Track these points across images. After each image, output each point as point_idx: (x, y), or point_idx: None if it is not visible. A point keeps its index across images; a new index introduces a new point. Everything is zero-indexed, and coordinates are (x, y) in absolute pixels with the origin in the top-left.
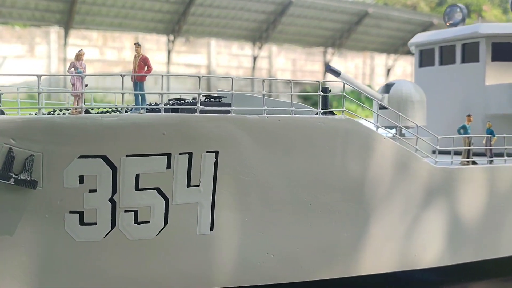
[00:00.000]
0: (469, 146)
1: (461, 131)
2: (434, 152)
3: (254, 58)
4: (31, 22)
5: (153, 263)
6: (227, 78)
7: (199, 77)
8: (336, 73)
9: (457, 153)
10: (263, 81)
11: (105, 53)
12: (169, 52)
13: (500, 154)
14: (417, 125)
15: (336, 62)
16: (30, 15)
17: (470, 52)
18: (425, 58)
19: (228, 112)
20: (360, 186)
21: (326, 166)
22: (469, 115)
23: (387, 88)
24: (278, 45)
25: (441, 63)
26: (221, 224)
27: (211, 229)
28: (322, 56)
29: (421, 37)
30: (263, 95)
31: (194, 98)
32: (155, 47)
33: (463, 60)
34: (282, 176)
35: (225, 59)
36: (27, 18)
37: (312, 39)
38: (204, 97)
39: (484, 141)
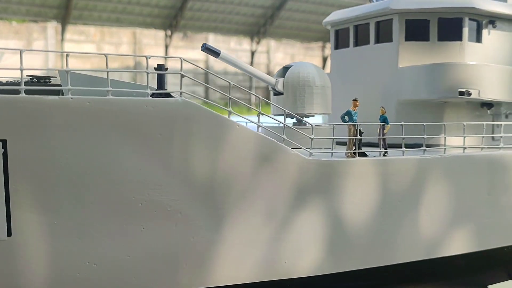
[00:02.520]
0: (355, 135)
1: (346, 118)
2: (339, 143)
3: (252, 53)
4: (28, 18)
5: None
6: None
7: None
8: (215, 53)
9: (373, 144)
10: (67, 55)
11: (103, 48)
12: (166, 47)
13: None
14: (284, 111)
15: None
16: (27, 10)
17: (383, 31)
18: (341, 38)
19: (18, 92)
20: (208, 183)
21: (161, 158)
22: (355, 100)
23: (284, 71)
24: (276, 40)
25: (356, 44)
26: (22, 227)
27: (9, 234)
28: (321, 51)
29: (336, 15)
30: (66, 72)
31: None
32: (152, 42)
33: (377, 40)
34: (101, 170)
35: None
36: (24, 13)
37: (311, 33)
38: (30, 77)
39: (378, 130)
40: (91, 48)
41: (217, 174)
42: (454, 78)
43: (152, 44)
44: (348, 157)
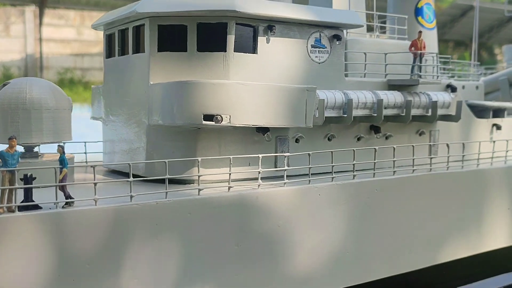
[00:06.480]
0: (11, 183)
1: None
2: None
3: None
4: (5, 1)
5: None
6: None
7: None
8: None
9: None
10: None
11: (83, 33)
12: None
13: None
14: None
15: None
16: None
17: (141, 39)
18: (112, 45)
19: None
20: None
21: None
22: (10, 138)
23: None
24: None
25: (122, 52)
26: None
27: None
28: None
29: (107, 16)
30: None
31: None
32: None
33: (136, 50)
34: None
35: None
36: None
37: None
38: None
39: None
40: (71, 32)
41: None
42: (199, 100)
43: None
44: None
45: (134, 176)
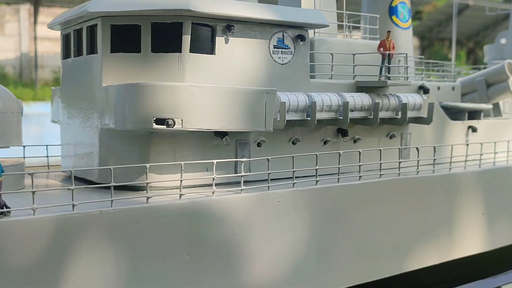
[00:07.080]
0: None
1: None
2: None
3: None
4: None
5: None
6: None
7: None
8: None
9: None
10: None
11: None
12: None
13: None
14: None
15: None
16: None
17: (95, 39)
18: (69, 46)
19: None
20: None
21: None
22: None
23: None
24: None
25: (77, 53)
26: None
27: None
28: None
29: (63, 15)
30: None
31: None
32: None
33: (91, 50)
34: None
35: None
36: None
37: None
38: None
39: None
40: None
41: None
42: (151, 103)
43: None
44: None
45: (88, 182)
